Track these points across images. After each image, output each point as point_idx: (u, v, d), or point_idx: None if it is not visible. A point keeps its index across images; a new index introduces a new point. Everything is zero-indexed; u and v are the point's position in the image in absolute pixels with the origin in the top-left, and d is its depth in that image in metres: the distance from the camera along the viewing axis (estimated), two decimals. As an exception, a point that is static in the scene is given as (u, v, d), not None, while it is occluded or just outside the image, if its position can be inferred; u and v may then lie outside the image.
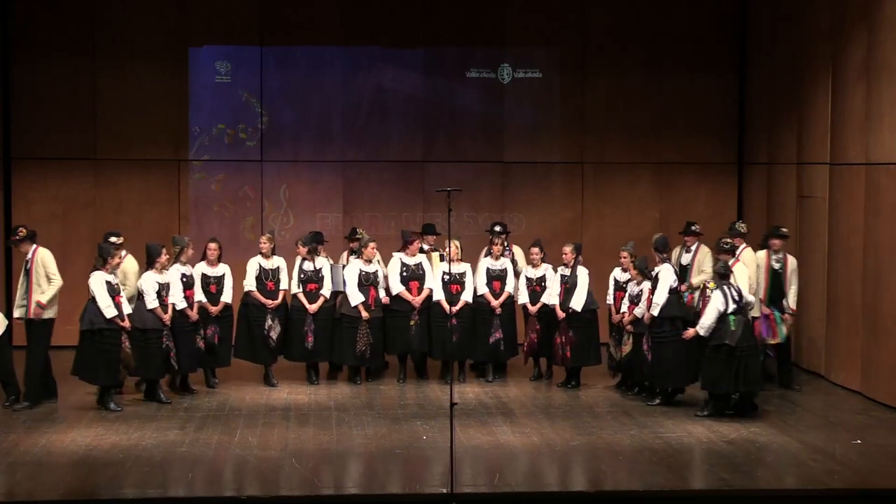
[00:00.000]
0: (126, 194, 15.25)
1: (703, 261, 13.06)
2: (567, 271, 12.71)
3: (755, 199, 15.38)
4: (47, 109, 15.08)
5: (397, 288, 12.90)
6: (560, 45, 15.68)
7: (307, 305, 12.81)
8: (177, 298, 11.96)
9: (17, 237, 11.77)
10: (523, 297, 12.96)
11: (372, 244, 12.93)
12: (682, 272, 12.98)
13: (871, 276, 12.12)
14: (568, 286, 12.60)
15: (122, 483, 9.20)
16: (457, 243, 12.77)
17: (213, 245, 12.61)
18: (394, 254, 13.21)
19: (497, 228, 13.35)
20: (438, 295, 12.89)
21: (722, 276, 11.39)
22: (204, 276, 12.45)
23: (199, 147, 15.40)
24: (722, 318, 11.18)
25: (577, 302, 12.55)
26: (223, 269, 12.64)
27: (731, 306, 11.19)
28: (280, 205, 15.50)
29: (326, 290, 12.90)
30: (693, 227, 13.23)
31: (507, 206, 15.60)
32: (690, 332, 11.45)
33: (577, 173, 15.76)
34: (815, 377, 13.32)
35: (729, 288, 11.28)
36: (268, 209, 15.48)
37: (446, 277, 12.80)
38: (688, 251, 13.21)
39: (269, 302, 12.69)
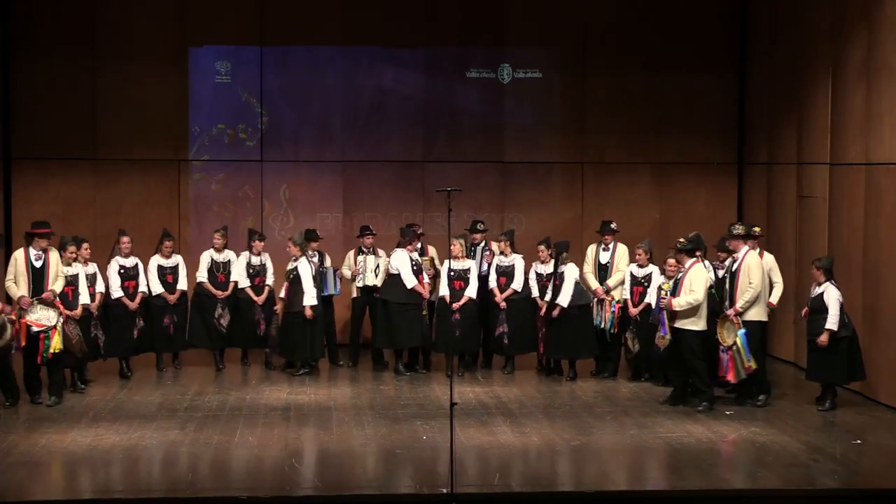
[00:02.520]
0: (126, 194, 15.26)
1: (620, 260, 13.10)
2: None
3: (755, 199, 15.38)
4: (47, 109, 15.08)
5: (412, 282, 13.26)
6: (560, 45, 15.68)
7: (254, 297, 13.50)
8: (113, 288, 12.86)
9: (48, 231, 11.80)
10: (535, 291, 13.29)
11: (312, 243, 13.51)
12: (603, 271, 13.15)
13: (871, 276, 12.12)
14: (558, 283, 12.90)
15: (123, 483, 9.21)
16: (461, 242, 13.21)
17: (168, 242, 13.45)
18: (398, 250, 13.43)
19: (479, 226, 13.69)
20: (443, 290, 13.16)
21: (828, 270, 11.58)
22: (160, 268, 13.32)
23: (199, 147, 15.40)
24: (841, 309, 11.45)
25: (564, 298, 12.81)
26: (177, 259, 13.51)
27: (842, 300, 11.49)
28: (280, 205, 15.50)
29: (270, 282, 13.64)
30: (611, 226, 13.26)
31: (507, 206, 15.61)
32: (824, 337, 11.34)
33: (577, 173, 15.76)
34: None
35: (835, 282, 11.54)
36: (268, 209, 15.48)
37: (451, 274, 13.05)
38: (605, 249, 13.20)
39: (220, 292, 13.45)
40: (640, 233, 14.36)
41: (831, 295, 11.43)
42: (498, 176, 15.67)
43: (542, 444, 10.30)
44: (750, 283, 11.61)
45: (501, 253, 13.42)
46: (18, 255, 11.63)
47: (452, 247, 12.86)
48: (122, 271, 12.96)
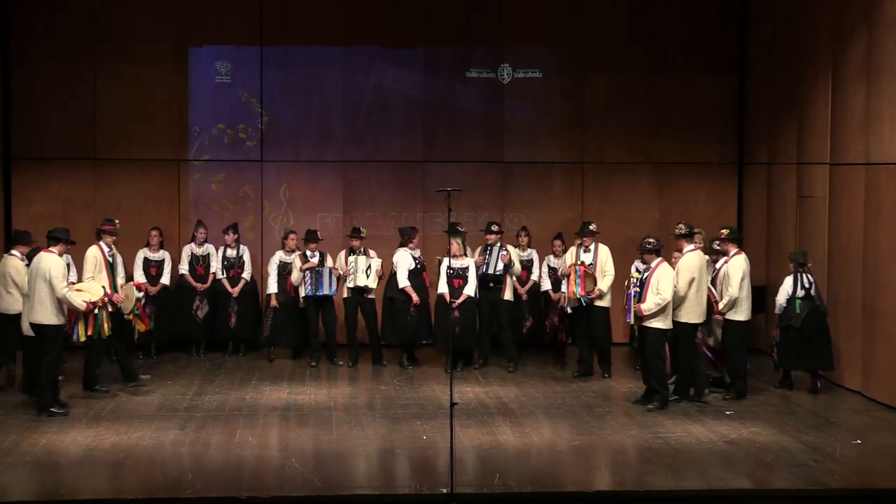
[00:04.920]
0: (126, 194, 15.25)
1: (605, 261, 13.05)
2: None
3: (755, 199, 15.38)
4: (47, 109, 15.08)
5: (404, 282, 13.63)
6: (560, 45, 15.68)
7: (229, 289, 14.29)
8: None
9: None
10: (546, 285, 13.92)
11: (292, 235, 14.18)
12: None
13: (871, 276, 12.13)
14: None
15: (123, 483, 9.21)
16: (458, 241, 13.36)
17: (154, 232, 14.26)
18: (400, 249, 13.73)
19: (494, 227, 13.75)
20: (442, 288, 13.40)
21: (799, 263, 12.39)
22: (146, 260, 14.19)
23: (199, 147, 15.40)
24: (790, 301, 12.27)
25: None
26: (163, 254, 14.32)
27: (800, 292, 12.28)
28: (280, 205, 15.50)
29: (247, 274, 14.44)
30: (590, 227, 13.23)
31: (507, 206, 15.61)
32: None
33: (577, 173, 15.77)
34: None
35: (802, 275, 12.33)
36: (268, 209, 15.48)
37: (450, 272, 13.31)
38: (587, 251, 13.15)
39: (199, 285, 14.33)
40: (640, 233, 14.29)
41: (783, 284, 12.44)
42: (498, 176, 15.67)
43: (542, 444, 10.31)
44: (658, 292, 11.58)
45: (518, 247, 13.95)
46: (96, 252, 12.10)
47: (451, 246, 13.10)
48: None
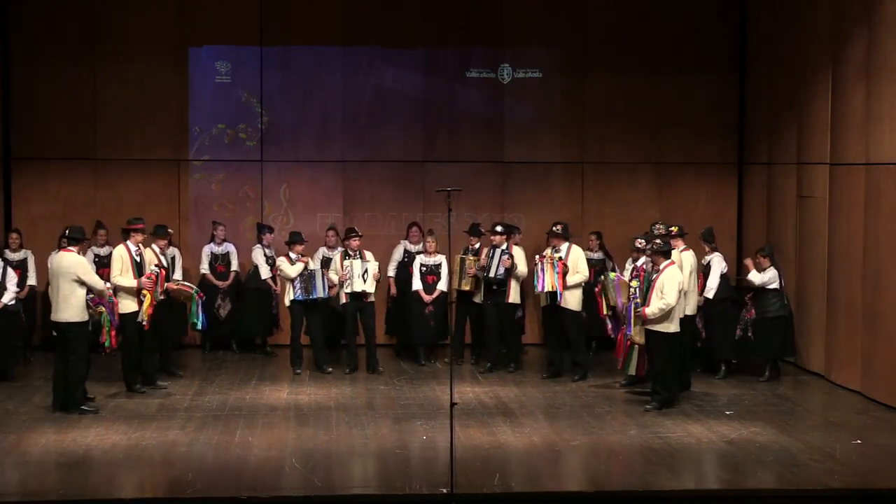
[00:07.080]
0: (126, 194, 15.24)
1: (577, 262, 12.97)
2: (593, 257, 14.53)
3: (755, 199, 15.38)
4: (47, 109, 15.09)
5: (391, 273, 14.29)
6: (560, 45, 15.68)
7: (275, 287, 14.41)
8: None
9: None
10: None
11: (330, 232, 14.33)
12: None
13: (871, 276, 12.13)
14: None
15: (122, 483, 9.21)
16: (433, 238, 13.87)
17: (14, 235, 14.03)
18: (401, 241, 14.43)
19: (498, 228, 13.60)
20: (416, 285, 13.77)
21: (772, 256, 13.08)
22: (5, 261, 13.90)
23: (199, 147, 15.40)
24: (778, 292, 12.95)
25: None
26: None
27: (782, 283, 13.00)
28: (280, 205, 15.51)
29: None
30: (554, 228, 13.12)
31: (507, 206, 15.61)
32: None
33: (577, 173, 15.77)
34: (815, 377, 13.34)
35: (779, 268, 13.02)
36: (268, 209, 15.48)
37: (423, 269, 13.71)
38: (556, 251, 13.03)
39: (221, 283, 14.54)
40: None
41: (770, 276, 12.96)
42: (498, 176, 15.67)
43: (542, 444, 10.31)
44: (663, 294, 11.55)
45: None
46: (122, 251, 12.15)
47: (428, 244, 13.74)
48: (96, 259, 13.96)
